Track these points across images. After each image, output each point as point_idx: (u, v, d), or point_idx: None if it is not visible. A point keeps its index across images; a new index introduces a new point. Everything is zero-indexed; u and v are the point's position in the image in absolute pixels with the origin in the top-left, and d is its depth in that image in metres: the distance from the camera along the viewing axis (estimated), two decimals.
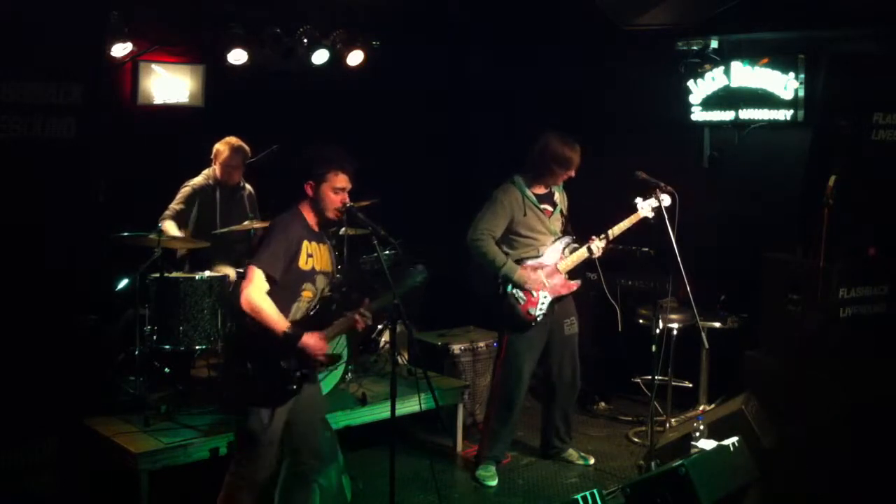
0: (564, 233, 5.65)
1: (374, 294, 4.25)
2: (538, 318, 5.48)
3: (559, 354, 5.68)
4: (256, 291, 3.91)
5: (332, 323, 4.19)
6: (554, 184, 5.58)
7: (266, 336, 3.96)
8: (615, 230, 5.56)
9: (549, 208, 5.57)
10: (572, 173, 5.50)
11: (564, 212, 5.67)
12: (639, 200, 5.55)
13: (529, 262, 5.48)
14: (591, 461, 5.85)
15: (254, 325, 3.96)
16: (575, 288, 5.62)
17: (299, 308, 4.12)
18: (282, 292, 4.03)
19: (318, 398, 4.35)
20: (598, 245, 5.52)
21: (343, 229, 6.14)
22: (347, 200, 4.14)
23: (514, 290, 5.45)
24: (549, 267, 5.52)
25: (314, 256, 4.12)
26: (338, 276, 6.06)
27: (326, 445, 4.31)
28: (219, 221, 6.03)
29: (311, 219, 4.17)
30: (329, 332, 4.17)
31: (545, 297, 5.48)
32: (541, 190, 5.56)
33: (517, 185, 5.50)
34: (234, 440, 4.20)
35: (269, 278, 3.97)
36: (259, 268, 3.94)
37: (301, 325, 4.06)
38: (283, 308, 4.03)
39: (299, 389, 4.09)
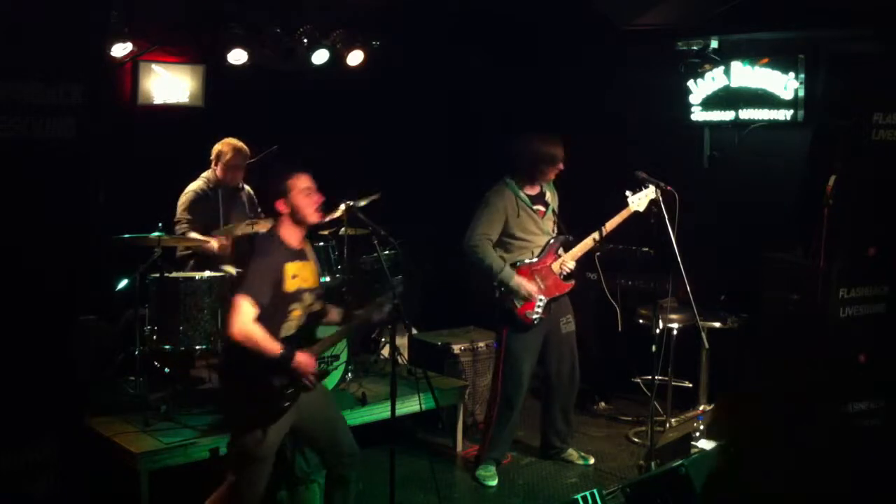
0: (557, 232, 5.65)
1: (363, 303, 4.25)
2: (535, 321, 5.49)
3: (557, 353, 5.69)
4: (245, 320, 3.87)
5: (320, 338, 4.20)
6: (545, 181, 5.59)
7: (259, 358, 3.92)
8: (608, 226, 5.57)
9: (542, 208, 5.59)
10: (561, 166, 5.53)
11: (556, 210, 5.68)
12: (628, 194, 5.57)
13: (524, 265, 5.48)
14: (591, 461, 5.86)
15: (246, 350, 3.92)
16: (569, 289, 5.62)
17: (289, 328, 4.10)
18: (271, 316, 3.99)
19: (322, 398, 4.33)
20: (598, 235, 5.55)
21: (343, 229, 6.14)
22: (322, 199, 4.10)
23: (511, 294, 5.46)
24: (543, 268, 5.52)
25: (298, 276, 4.07)
26: (337, 276, 6.09)
27: (349, 440, 4.30)
28: (221, 222, 6.03)
29: (290, 237, 4.11)
30: (318, 348, 4.17)
31: (541, 299, 5.49)
32: (533, 190, 5.57)
33: (510, 187, 5.51)
34: (231, 458, 4.15)
35: (257, 304, 3.91)
36: (246, 296, 3.89)
37: (291, 343, 4.03)
38: (274, 330, 4.00)
39: (292, 404, 4.06)
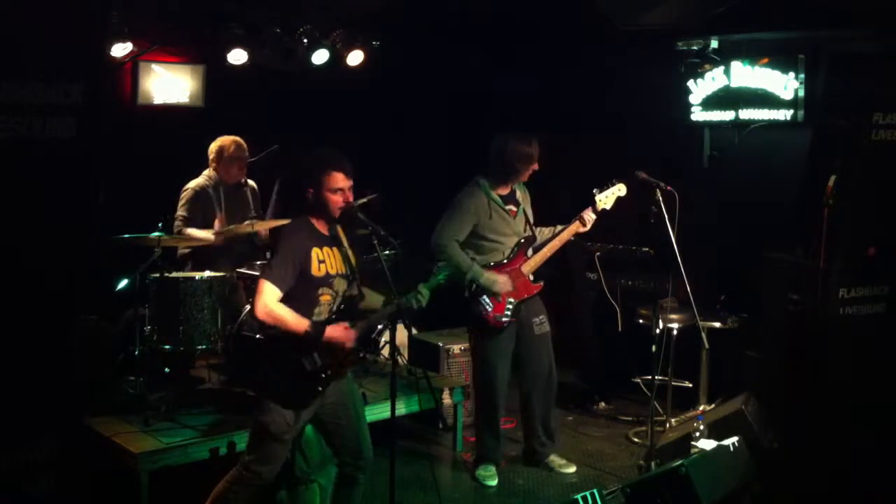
0: (528, 233, 5.60)
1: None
2: (505, 324, 5.46)
3: (532, 355, 5.61)
4: (269, 300, 3.96)
5: (361, 318, 4.22)
6: (519, 181, 5.57)
7: (287, 339, 3.99)
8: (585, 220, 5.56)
9: (514, 208, 5.55)
10: (536, 166, 5.50)
11: (527, 210, 5.64)
12: (595, 191, 5.57)
13: (494, 266, 5.45)
14: (573, 469, 5.74)
15: (275, 331, 4.01)
16: (538, 291, 5.56)
17: (321, 312, 4.14)
18: (299, 301, 4.06)
19: (350, 395, 4.35)
20: (589, 216, 5.55)
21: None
22: (350, 198, 4.15)
23: (482, 297, 5.42)
24: (512, 270, 5.49)
25: (326, 262, 4.12)
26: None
27: (367, 443, 4.32)
28: (224, 220, 6.03)
29: (319, 224, 4.18)
30: (361, 326, 4.20)
31: (510, 301, 5.46)
32: (505, 190, 5.53)
33: (482, 188, 5.47)
34: (250, 436, 4.21)
35: (279, 289, 3.99)
36: (268, 281, 3.98)
37: (324, 325, 4.08)
38: (304, 314, 4.05)
39: (324, 390, 4.11)
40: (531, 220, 5.66)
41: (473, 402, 5.85)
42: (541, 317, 5.64)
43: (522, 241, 5.56)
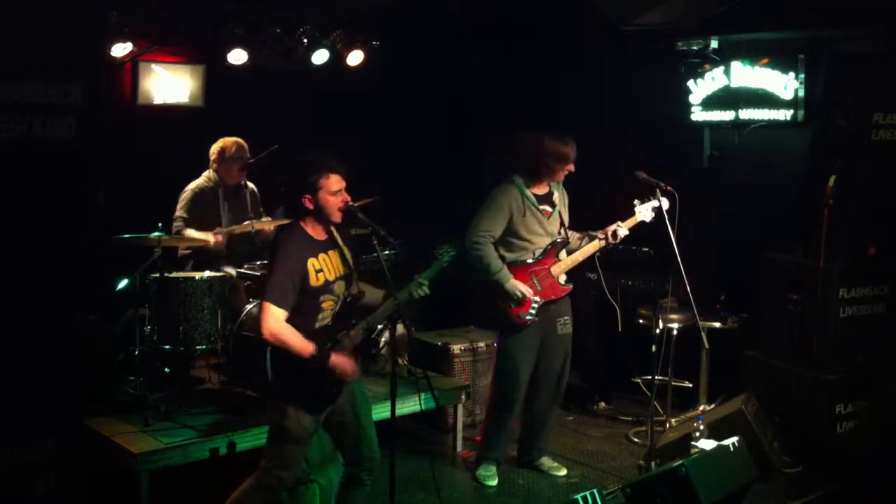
0: (561, 235, 5.58)
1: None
2: (528, 322, 5.44)
3: (549, 355, 5.58)
4: (275, 322, 3.92)
5: (359, 321, 4.22)
6: (554, 181, 5.53)
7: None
8: (619, 230, 5.53)
9: (549, 209, 5.53)
10: (572, 167, 5.46)
11: (563, 212, 5.63)
12: (636, 203, 5.54)
13: (522, 265, 5.42)
14: (563, 472, 5.73)
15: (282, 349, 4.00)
16: (565, 293, 5.54)
17: (324, 318, 4.14)
18: (302, 312, 4.04)
19: (358, 395, 4.33)
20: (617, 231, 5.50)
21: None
22: (348, 199, 4.12)
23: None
24: (541, 270, 5.48)
25: (324, 269, 4.09)
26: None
27: (374, 444, 4.32)
28: (224, 222, 6.04)
29: (314, 230, 4.13)
30: (357, 332, 4.20)
31: (536, 300, 5.43)
32: (541, 190, 5.51)
33: (517, 186, 5.45)
34: (268, 442, 4.20)
35: (283, 308, 3.96)
36: (271, 303, 3.94)
37: (327, 333, 4.09)
38: (308, 323, 4.05)
39: (339, 393, 4.12)
40: (566, 223, 5.62)
41: (489, 398, 5.83)
42: (565, 317, 5.61)
43: (556, 241, 5.53)
